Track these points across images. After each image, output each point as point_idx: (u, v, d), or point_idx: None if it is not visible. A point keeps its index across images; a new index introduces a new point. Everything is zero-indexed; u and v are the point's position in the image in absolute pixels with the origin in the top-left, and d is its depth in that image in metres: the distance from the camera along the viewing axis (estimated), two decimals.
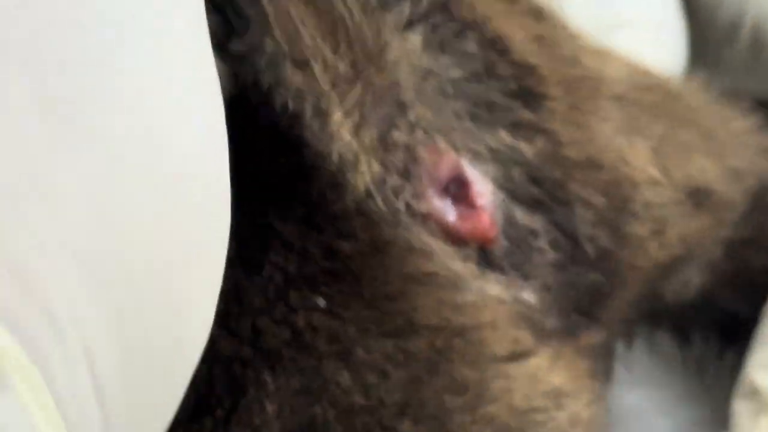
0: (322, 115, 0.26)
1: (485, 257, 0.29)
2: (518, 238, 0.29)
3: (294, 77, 0.25)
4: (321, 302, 0.26)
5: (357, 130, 0.26)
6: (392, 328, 0.27)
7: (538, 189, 0.30)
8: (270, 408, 0.26)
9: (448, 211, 0.28)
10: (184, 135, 0.20)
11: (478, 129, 0.29)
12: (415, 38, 0.27)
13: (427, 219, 0.28)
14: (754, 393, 0.29)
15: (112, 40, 0.19)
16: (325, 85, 0.25)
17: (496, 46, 0.30)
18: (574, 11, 0.35)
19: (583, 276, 0.30)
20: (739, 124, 0.34)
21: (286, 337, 0.26)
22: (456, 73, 0.29)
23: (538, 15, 0.33)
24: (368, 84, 0.26)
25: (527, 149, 0.29)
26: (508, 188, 0.29)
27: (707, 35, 0.39)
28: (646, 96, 0.32)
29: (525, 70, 0.30)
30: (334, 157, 0.26)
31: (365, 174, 0.27)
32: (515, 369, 0.28)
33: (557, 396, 0.28)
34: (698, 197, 0.32)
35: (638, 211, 0.31)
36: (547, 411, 0.28)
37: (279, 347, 0.26)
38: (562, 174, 0.30)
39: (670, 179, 0.32)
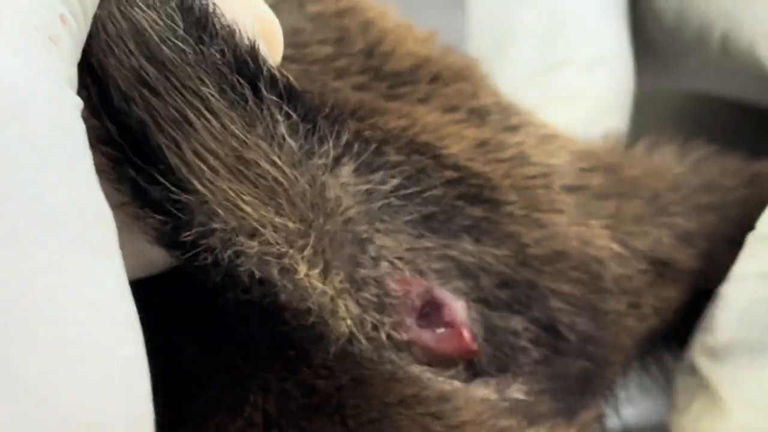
0: (290, 273, 0.26)
1: (471, 367, 0.29)
2: (501, 342, 0.30)
3: (250, 248, 0.25)
4: None
5: (325, 277, 0.26)
6: None
7: (511, 291, 0.30)
8: None
9: (428, 336, 0.29)
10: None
11: (440, 241, 0.29)
12: (346, 169, 0.28)
13: (410, 346, 0.28)
14: (693, 372, 0.30)
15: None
16: (282, 246, 0.25)
17: (421, 151, 0.30)
18: (519, 53, 0.36)
19: (570, 365, 0.31)
20: (680, 173, 0.35)
21: None
22: (392, 182, 0.29)
23: (481, 119, 0.33)
24: (321, 231, 0.26)
25: (493, 256, 0.30)
26: (481, 298, 0.30)
27: (673, 45, 0.40)
28: (592, 180, 0.33)
29: (473, 175, 0.30)
30: (313, 309, 0.26)
31: (345, 317, 0.27)
32: None
33: None
34: (659, 267, 0.33)
35: (611, 287, 0.32)
36: None
37: None
38: (532, 273, 0.30)
39: (632, 251, 0.32)
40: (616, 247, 0.32)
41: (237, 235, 0.25)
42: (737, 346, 0.29)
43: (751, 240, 0.30)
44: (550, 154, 0.33)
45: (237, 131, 0.25)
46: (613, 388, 0.34)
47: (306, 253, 0.26)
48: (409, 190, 0.29)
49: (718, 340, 0.29)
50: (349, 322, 0.27)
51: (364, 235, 0.27)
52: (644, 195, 0.34)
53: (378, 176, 0.28)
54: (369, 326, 0.27)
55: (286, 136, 0.25)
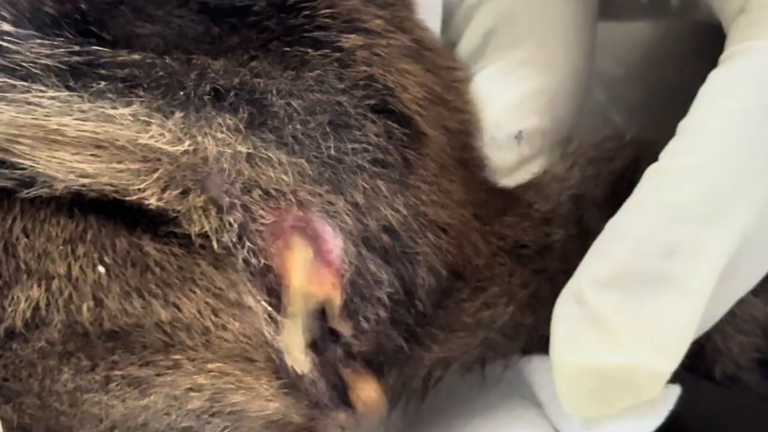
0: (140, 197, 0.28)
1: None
2: (361, 286, 0.29)
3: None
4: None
5: (184, 197, 0.28)
6: None
7: (392, 242, 0.30)
8: None
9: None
10: None
11: (329, 174, 0.29)
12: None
13: (265, 274, 0.28)
14: (579, 303, 0.28)
15: None
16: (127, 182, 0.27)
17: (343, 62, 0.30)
18: (463, 42, 0.36)
19: (395, 338, 0.31)
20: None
21: None
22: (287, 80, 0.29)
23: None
24: (173, 166, 0.28)
25: (387, 201, 0.29)
26: (364, 237, 0.29)
27: None
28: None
29: (407, 117, 0.30)
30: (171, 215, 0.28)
31: (204, 225, 0.28)
32: None
33: None
34: (519, 251, 0.33)
35: (468, 275, 0.32)
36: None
37: None
38: (416, 235, 0.30)
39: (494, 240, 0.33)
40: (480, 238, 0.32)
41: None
42: (630, 276, 0.27)
43: (651, 172, 0.29)
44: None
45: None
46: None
47: (153, 182, 0.27)
48: (314, 93, 0.29)
49: (611, 269, 0.28)
50: (206, 228, 0.27)
51: (233, 165, 0.28)
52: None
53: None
54: (227, 243, 0.28)
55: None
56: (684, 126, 0.29)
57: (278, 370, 0.29)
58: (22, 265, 0.26)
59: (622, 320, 0.27)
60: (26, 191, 0.27)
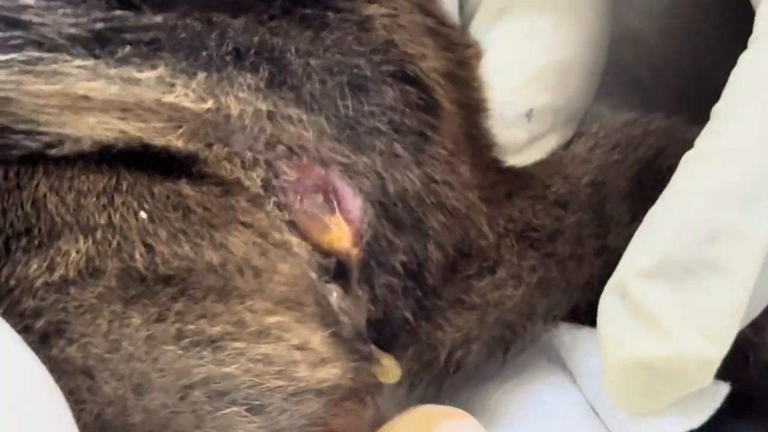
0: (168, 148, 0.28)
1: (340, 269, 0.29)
2: (377, 251, 0.30)
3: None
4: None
5: (209, 150, 0.28)
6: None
7: (406, 211, 0.30)
8: None
9: (312, 225, 0.29)
10: None
11: (353, 137, 0.29)
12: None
13: (291, 227, 0.29)
14: (624, 297, 0.28)
15: None
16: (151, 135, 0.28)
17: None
18: (478, 15, 0.35)
19: (401, 310, 0.31)
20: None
21: None
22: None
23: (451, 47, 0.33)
24: (197, 122, 0.28)
25: (407, 170, 0.30)
26: (381, 202, 0.30)
27: None
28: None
29: (425, 85, 0.30)
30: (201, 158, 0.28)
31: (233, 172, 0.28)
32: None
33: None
34: (527, 234, 0.33)
35: (473, 253, 0.32)
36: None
37: None
38: (429, 209, 0.30)
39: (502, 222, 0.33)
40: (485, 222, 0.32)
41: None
42: (674, 265, 0.27)
43: (688, 159, 0.28)
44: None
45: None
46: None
47: (177, 136, 0.28)
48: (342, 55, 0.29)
49: (654, 260, 0.27)
50: (236, 174, 0.28)
51: (255, 122, 0.28)
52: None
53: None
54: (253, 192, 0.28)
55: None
56: (718, 110, 0.28)
57: (326, 315, 0.29)
58: (58, 219, 0.27)
59: (668, 310, 0.27)
60: (53, 151, 0.27)
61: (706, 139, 0.28)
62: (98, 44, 0.28)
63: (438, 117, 0.31)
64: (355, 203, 0.29)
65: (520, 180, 0.33)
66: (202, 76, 0.28)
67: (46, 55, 0.27)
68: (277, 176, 0.28)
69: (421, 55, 0.31)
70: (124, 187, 0.27)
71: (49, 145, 0.27)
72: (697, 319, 0.27)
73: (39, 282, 0.26)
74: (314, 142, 0.29)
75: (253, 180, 0.28)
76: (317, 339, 0.28)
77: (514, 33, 0.34)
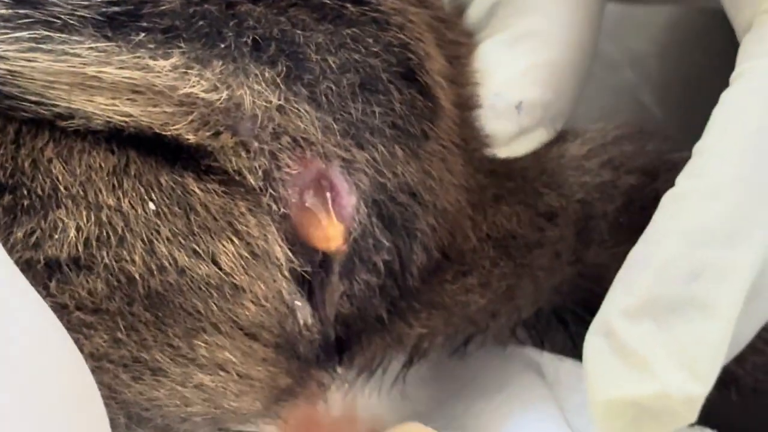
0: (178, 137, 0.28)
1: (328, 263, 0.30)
2: (362, 248, 0.30)
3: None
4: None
5: (216, 137, 0.28)
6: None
7: (396, 209, 0.30)
8: None
9: (305, 221, 0.29)
10: None
11: (357, 132, 0.29)
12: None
13: (284, 221, 0.29)
14: (608, 335, 0.28)
15: None
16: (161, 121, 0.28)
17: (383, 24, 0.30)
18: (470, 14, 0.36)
19: (378, 307, 0.31)
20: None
21: None
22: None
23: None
24: (208, 110, 0.28)
25: (404, 167, 0.30)
26: (376, 200, 0.30)
27: None
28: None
29: (429, 86, 0.30)
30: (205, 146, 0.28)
31: (234, 158, 0.28)
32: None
33: None
34: (506, 242, 0.33)
35: (456, 258, 0.33)
36: None
37: None
38: (420, 210, 0.31)
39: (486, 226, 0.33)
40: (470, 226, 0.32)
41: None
42: (657, 304, 0.28)
43: (669, 198, 0.29)
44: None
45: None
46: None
47: (187, 123, 0.28)
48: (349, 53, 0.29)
49: (637, 299, 0.28)
50: (238, 167, 0.28)
51: (264, 113, 0.28)
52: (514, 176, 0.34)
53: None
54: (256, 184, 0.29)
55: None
56: (699, 148, 0.29)
57: (283, 342, 0.29)
58: (61, 188, 0.27)
59: (652, 348, 0.27)
60: (63, 122, 0.27)
61: (687, 177, 0.29)
62: (111, 28, 0.28)
63: (438, 117, 0.31)
64: (349, 200, 0.30)
65: (512, 183, 0.34)
66: (218, 65, 0.28)
67: (56, 35, 0.27)
68: (279, 168, 0.29)
69: (428, 55, 0.31)
70: (133, 172, 0.27)
71: (60, 116, 0.27)
72: (682, 357, 0.27)
73: (16, 256, 0.26)
74: (320, 137, 0.29)
75: (255, 171, 0.28)
76: (259, 373, 0.29)
77: (507, 28, 0.34)
